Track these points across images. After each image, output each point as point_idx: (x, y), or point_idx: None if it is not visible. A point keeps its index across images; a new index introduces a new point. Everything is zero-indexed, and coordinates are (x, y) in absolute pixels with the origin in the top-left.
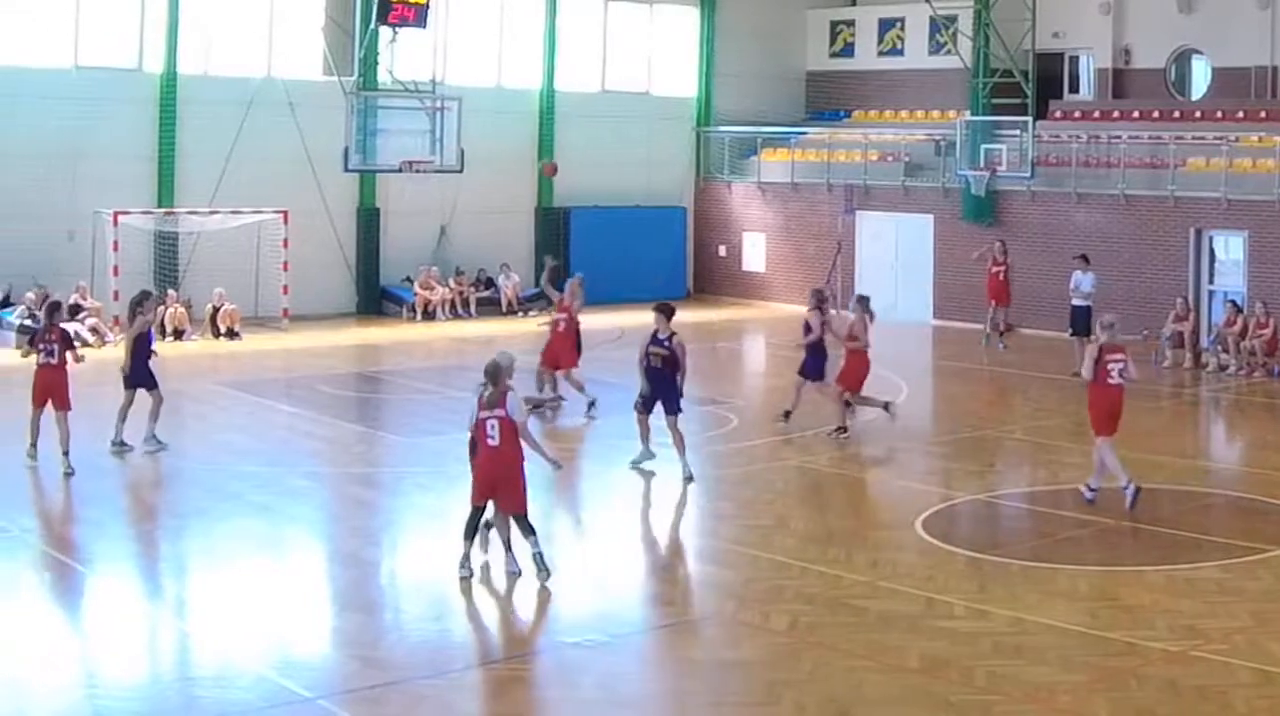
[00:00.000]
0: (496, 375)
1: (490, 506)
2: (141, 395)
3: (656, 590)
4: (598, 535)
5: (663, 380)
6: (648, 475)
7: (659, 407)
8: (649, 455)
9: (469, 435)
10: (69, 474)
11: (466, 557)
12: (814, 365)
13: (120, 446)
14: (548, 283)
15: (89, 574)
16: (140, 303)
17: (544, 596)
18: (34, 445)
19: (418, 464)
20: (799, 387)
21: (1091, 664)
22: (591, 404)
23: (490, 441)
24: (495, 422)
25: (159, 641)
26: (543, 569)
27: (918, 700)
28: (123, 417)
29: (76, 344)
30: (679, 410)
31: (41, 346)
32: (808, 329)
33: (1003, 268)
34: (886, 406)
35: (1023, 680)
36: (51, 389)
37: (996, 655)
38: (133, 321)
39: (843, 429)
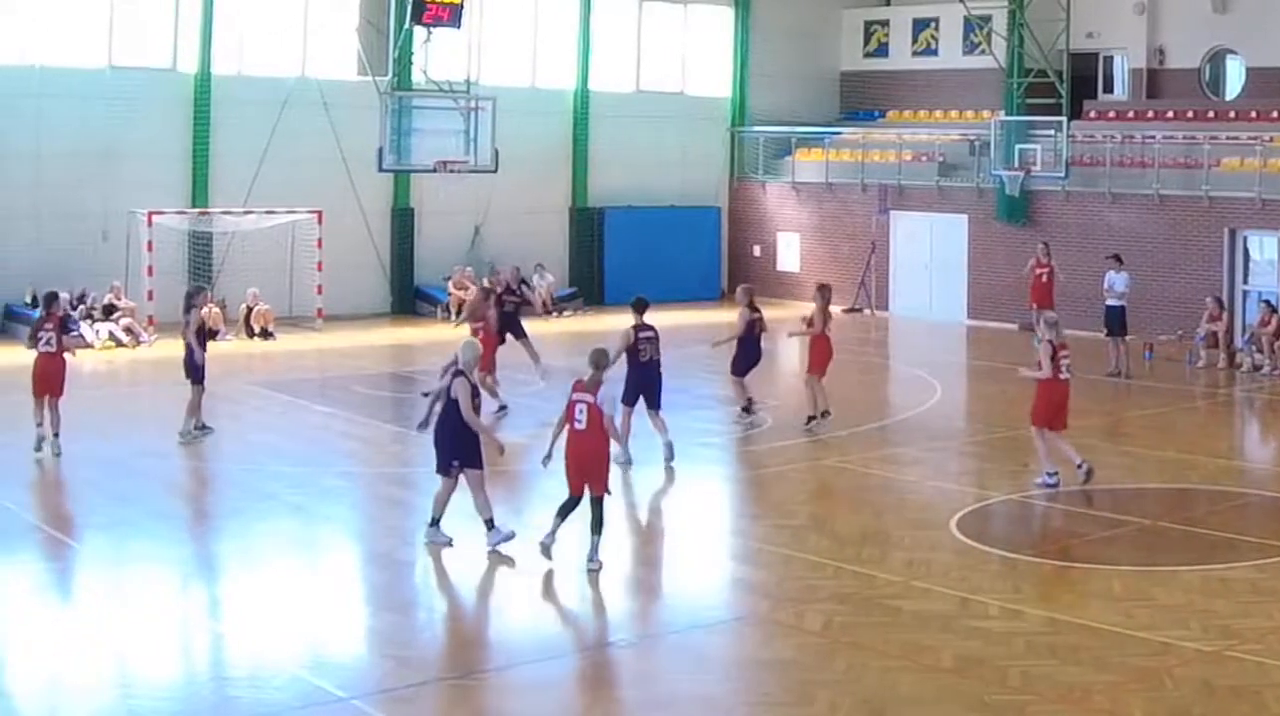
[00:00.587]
0: (599, 362)
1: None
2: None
3: (690, 590)
4: (631, 535)
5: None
6: (675, 477)
7: (663, 401)
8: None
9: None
10: (57, 455)
11: (552, 533)
12: (743, 360)
13: (202, 429)
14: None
15: (123, 574)
16: (193, 296)
17: (578, 596)
18: (53, 435)
19: None
20: (735, 384)
21: (1126, 664)
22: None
23: (578, 425)
24: (584, 407)
25: (193, 641)
26: (594, 559)
27: (952, 700)
28: (197, 409)
29: (79, 338)
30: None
31: (40, 335)
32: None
33: (1046, 269)
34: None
35: (1057, 680)
36: (49, 376)
37: (1031, 655)
38: (187, 315)
39: (825, 414)
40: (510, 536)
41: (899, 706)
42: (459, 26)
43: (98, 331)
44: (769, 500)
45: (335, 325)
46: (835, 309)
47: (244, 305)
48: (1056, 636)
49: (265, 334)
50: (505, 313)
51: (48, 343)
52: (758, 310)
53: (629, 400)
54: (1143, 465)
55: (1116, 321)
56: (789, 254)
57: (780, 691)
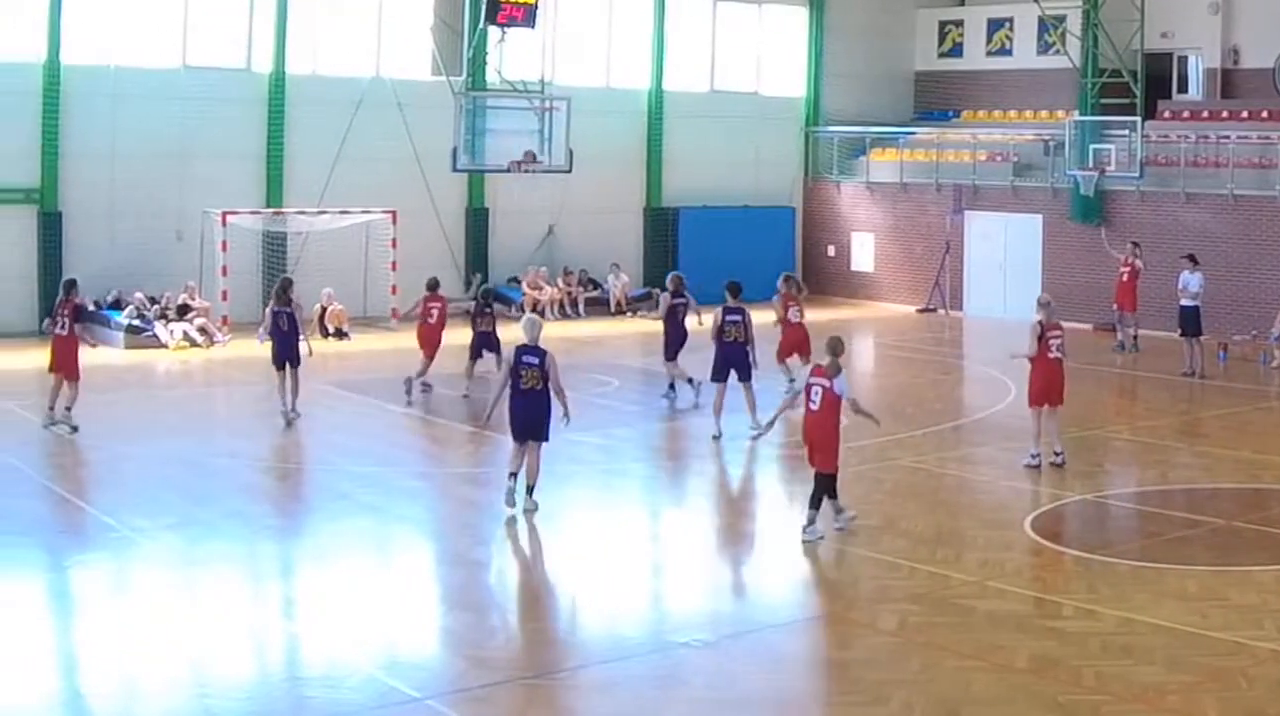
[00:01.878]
0: (835, 349)
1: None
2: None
3: (765, 590)
4: (703, 534)
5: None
6: (750, 474)
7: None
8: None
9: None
10: (74, 429)
11: (840, 511)
12: (671, 345)
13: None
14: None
15: (198, 573)
16: (290, 287)
17: (652, 596)
18: (51, 409)
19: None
20: (669, 367)
21: (1200, 664)
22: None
23: (812, 406)
24: (819, 391)
25: (268, 641)
26: (808, 530)
27: (1026, 700)
28: (280, 392)
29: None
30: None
31: (57, 318)
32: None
33: (1129, 268)
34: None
35: (1131, 680)
36: (60, 357)
37: (1105, 655)
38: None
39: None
40: (535, 507)
41: (973, 706)
42: (533, 26)
43: (172, 331)
44: (844, 499)
45: (410, 325)
46: (909, 309)
47: (318, 305)
48: (1131, 636)
49: (339, 334)
50: (481, 332)
51: (61, 326)
52: (683, 296)
53: (718, 377)
54: (1218, 465)
55: (1191, 321)
56: (863, 254)
57: (855, 691)
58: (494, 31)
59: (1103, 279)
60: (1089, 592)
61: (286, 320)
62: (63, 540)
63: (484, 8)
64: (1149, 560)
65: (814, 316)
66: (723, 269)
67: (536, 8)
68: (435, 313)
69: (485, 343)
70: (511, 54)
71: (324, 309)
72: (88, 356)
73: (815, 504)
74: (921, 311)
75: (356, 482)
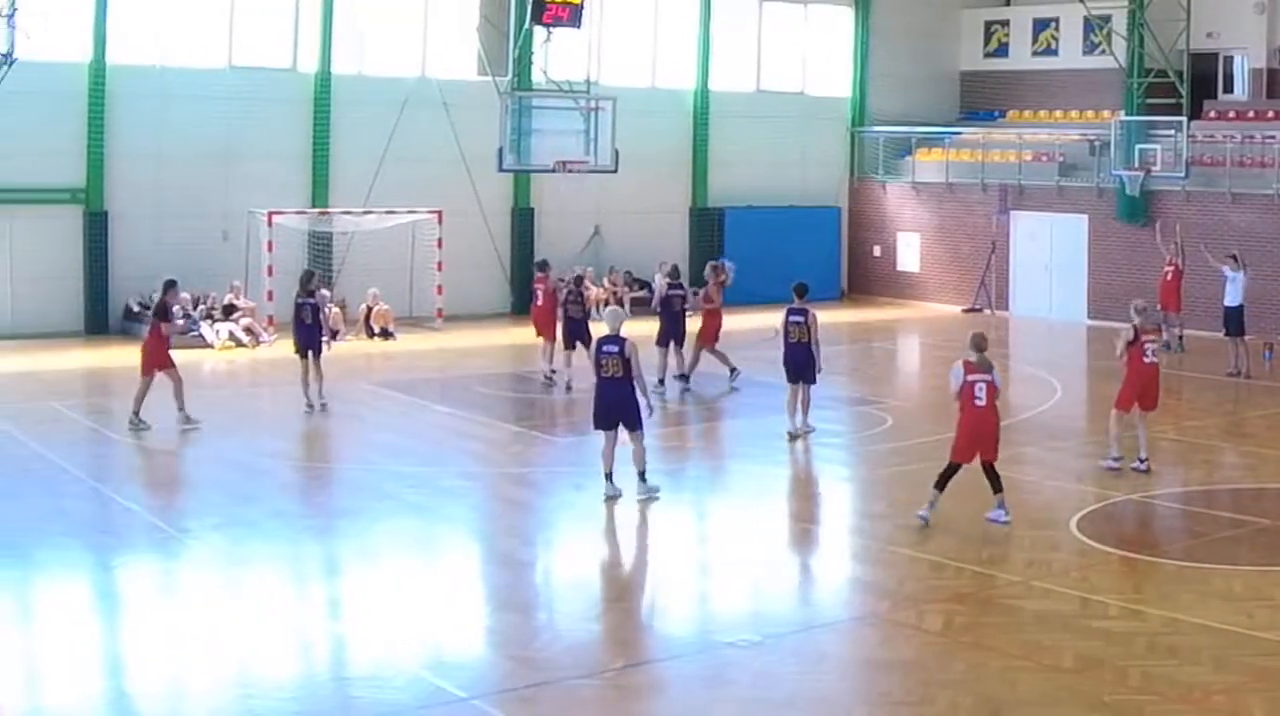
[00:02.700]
0: (980, 344)
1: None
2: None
3: (810, 590)
4: (751, 534)
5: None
6: (797, 474)
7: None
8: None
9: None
10: (136, 428)
11: (932, 504)
12: (669, 331)
13: (310, 409)
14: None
15: (243, 573)
16: (311, 279)
17: (697, 596)
18: (181, 410)
19: (573, 464)
20: (664, 355)
21: (1246, 664)
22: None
23: (977, 402)
24: (984, 386)
25: (313, 641)
26: (1000, 509)
27: (1072, 700)
28: (303, 382)
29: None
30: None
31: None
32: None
33: (1173, 267)
34: (733, 371)
35: (1177, 680)
36: (144, 355)
37: (1151, 655)
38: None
39: (733, 371)
40: (655, 492)
41: (1018, 706)
42: (579, 26)
43: (217, 331)
44: (890, 499)
45: (455, 325)
46: (956, 309)
47: (364, 305)
48: (1177, 636)
49: (385, 334)
50: (571, 318)
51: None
52: (680, 286)
53: (790, 378)
54: (1263, 465)
55: (1235, 321)
56: (909, 254)
57: (900, 691)
58: (539, 31)
59: (1148, 279)
60: (1135, 592)
61: (309, 312)
62: (109, 540)
63: (530, 8)
64: (1194, 560)
65: (861, 316)
66: (769, 269)
67: (582, 8)
68: (540, 294)
69: (578, 332)
70: (557, 54)
71: (370, 309)
72: (132, 357)
73: (998, 488)
74: (967, 311)
75: (402, 482)
